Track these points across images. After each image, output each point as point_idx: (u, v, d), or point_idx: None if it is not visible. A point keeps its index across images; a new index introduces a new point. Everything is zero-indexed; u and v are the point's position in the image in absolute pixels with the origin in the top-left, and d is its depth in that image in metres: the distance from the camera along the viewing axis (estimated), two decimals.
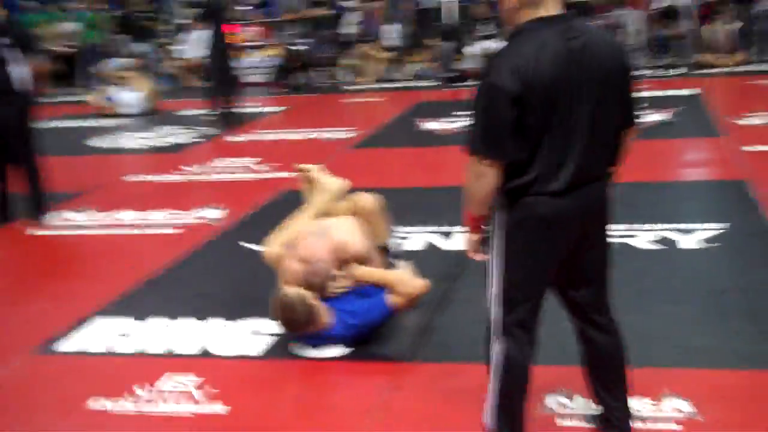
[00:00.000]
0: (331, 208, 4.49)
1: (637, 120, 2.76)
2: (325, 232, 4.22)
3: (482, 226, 2.75)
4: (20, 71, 6.42)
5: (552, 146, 2.55)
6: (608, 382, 2.92)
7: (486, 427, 2.88)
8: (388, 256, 4.49)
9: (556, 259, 2.71)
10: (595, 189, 2.69)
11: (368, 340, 3.97)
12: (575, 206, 2.63)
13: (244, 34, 15.77)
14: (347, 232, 4.24)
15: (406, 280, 4.10)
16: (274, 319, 3.94)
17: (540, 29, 2.54)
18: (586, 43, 2.55)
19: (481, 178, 2.59)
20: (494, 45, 14.52)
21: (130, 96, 12.33)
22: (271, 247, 4.35)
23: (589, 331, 2.88)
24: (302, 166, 4.71)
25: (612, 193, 2.79)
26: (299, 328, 3.87)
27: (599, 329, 2.87)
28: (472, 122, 2.60)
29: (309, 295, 3.87)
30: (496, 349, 2.80)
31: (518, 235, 2.65)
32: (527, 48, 2.51)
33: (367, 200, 4.55)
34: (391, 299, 4.01)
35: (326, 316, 3.88)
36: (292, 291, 3.86)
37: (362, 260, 4.18)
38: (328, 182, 4.59)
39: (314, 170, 4.66)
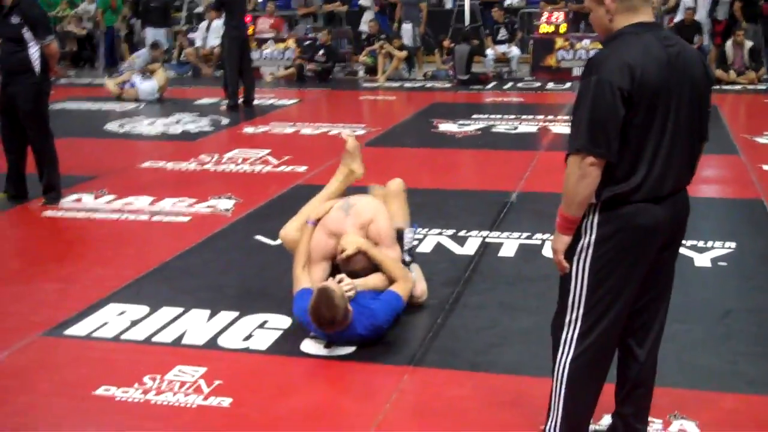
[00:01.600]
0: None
1: (709, 134, 2.78)
2: (350, 208, 4.29)
3: (575, 229, 2.68)
4: (35, 52, 6.46)
5: (653, 152, 2.57)
6: (642, 406, 2.92)
7: None
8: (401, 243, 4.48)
9: (643, 271, 2.70)
10: (682, 198, 2.73)
11: (376, 341, 3.99)
12: (669, 215, 2.66)
13: (258, 25, 15.79)
14: (373, 211, 4.29)
15: (409, 279, 4.16)
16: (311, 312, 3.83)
17: (641, 33, 2.58)
18: (680, 52, 2.61)
19: (585, 178, 2.55)
20: (513, 49, 14.57)
21: (152, 84, 12.38)
22: (288, 229, 4.40)
23: (636, 351, 2.86)
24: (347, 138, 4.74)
25: None
26: (335, 325, 3.81)
27: (645, 350, 2.86)
28: (577, 119, 2.56)
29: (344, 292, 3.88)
30: (568, 365, 2.75)
31: (611, 245, 2.63)
32: (634, 49, 2.54)
33: (394, 181, 4.64)
34: (400, 291, 4.07)
35: (350, 315, 3.89)
36: (334, 287, 3.84)
37: (385, 243, 4.22)
38: (354, 167, 4.65)
39: (352, 149, 4.69)
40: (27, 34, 6.41)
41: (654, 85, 2.52)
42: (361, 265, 4.13)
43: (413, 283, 4.28)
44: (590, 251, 2.65)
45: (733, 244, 5.35)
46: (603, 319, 2.69)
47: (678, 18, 14.44)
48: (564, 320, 2.75)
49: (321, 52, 14.47)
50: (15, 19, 6.41)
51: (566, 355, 2.74)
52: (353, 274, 4.11)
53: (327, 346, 3.96)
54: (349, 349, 3.94)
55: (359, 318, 3.88)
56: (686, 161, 2.69)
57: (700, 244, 5.35)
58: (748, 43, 13.28)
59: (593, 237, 2.64)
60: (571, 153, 2.57)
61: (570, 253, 2.71)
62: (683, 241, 5.37)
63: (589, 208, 2.64)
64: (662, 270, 2.80)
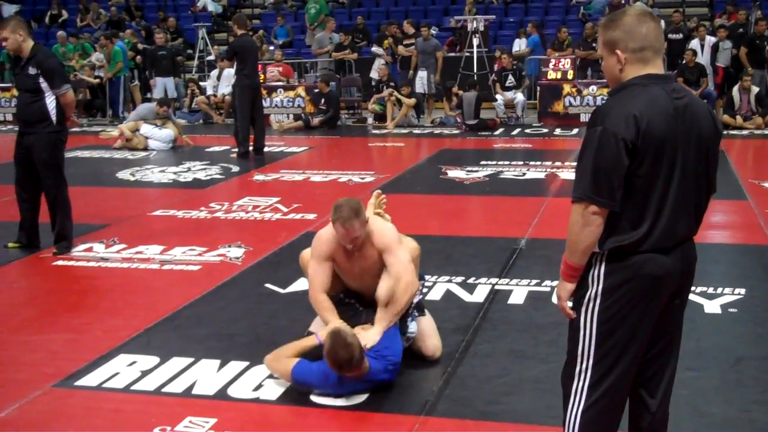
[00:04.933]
0: None
1: (716, 187, 2.81)
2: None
3: (578, 277, 2.71)
4: (51, 101, 6.57)
5: (659, 202, 2.60)
6: None
7: None
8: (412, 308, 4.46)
9: (653, 321, 2.71)
10: (690, 247, 2.75)
11: (386, 390, 3.99)
12: (677, 265, 2.68)
13: (269, 73, 15.99)
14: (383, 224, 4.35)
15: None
16: (327, 355, 3.86)
17: (648, 85, 2.62)
18: (688, 104, 2.65)
19: (587, 227, 2.59)
20: (518, 96, 14.70)
21: (162, 134, 12.53)
22: (308, 251, 4.46)
23: (648, 401, 2.85)
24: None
25: None
26: (354, 366, 3.82)
27: (657, 399, 2.85)
28: (581, 168, 2.61)
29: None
30: (579, 415, 2.74)
31: (619, 296, 2.64)
32: (640, 100, 2.58)
33: (410, 243, 4.50)
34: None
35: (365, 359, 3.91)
36: (347, 330, 3.91)
37: (382, 247, 4.22)
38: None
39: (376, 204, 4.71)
40: (43, 84, 6.53)
41: (660, 137, 2.56)
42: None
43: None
44: (598, 301, 2.67)
45: (743, 290, 5.35)
46: (613, 369, 2.69)
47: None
48: (574, 371, 2.75)
49: (322, 101, 14.65)
50: (32, 70, 6.53)
51: (577, 405, 2.74)
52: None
53: (337, 396, 3.95)
54: (360, 399, 3.94)
55: (375, 363, 3.91)
56: (693, 212, 2.71)
57: (710, 290, 5.34)
58: (755, 89, 13.37)
59: (601, 287, 2.66)
60: (575, 201, 2.61)
61: (578, 303, 2.72)
62: (693, 288, 5.41)
63: (595, 257, 2.66)
64: (672, 319, 2.80)
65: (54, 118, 6.60)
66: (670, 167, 2.60)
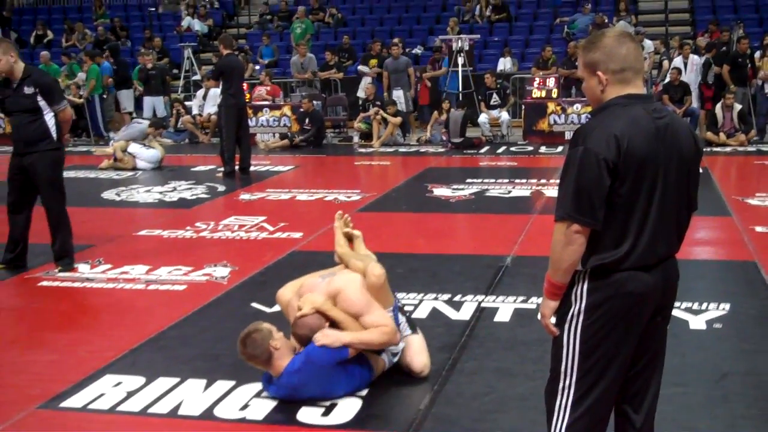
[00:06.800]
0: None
1: (697, 204, 2.84)
2: (328, 276, 4.34)
3: (561, 295, 2.74)
4: (51, 119, 6.59)
5: (640, 220, 2.62)
6: None
7: None
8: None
9: (636, 338, 2.72)
10: (672, 265, 2.77)
11: (373, 408, 3.98)
12: (659, 282, 2.70)
13: (257, 93, 16.01)
14: (346, 283, 4.25)
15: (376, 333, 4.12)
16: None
17: (630, 105, 2.65)
18: (669, 124, 2.68)
19: (569, 246, 2.61)
20: (503, 114, 14.78)
21: (149, 154, 12.52)
22: (285, 290, 4.48)
23: (632, 417, 2.86)
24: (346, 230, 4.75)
25: None
26: (253, 361, 4.06)
27: (642, 415, 2.87)
28: (563, 188, 2.63)
29: (277, 338, 4.03)
30: None
31: (604, 313, 2.66)
32: (621, 121, 2.60)
33: (373, 272, 4.28)
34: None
35: (285, 361, 4.01)
36: (263, 326, 4.06)
37: (353, 313, 4.17)
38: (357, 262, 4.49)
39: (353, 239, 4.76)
40: (41, 102, 6.56)
41: (641, 156, 2.59)
42: (304, 331, 4.09)
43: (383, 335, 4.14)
44: (581, 319, 2.69)
45: (727, 306, 5.38)
46: (597, 386, 2.71)
47: (667, 80, 14.69)
48: (557, 387, 2.76)
49: (307, 120, 14.70)
50: (28, 90, 6.54)
51: (561, 422, 2.75)
52: (299, 338, 4.13)
53: (324, 414, 3.95)
54: (346, 418, 3.93)
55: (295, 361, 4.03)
56: (674, 230, 2.74)
57: (695, 306, 5.37)
58: (737, 106, 13.51)
59: (584, 305, 2.68)
60: (558, 220, 2.63)
61: (561, 320, 2.74)
62: (677, 303, 5.43)
63: (578, 275, 2.68)
64: (655, 336, 2.82)
65: (55, 135, 6.67)
66: (651, 186, 2.62)
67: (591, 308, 2.67)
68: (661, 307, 2.78)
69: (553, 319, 2.78)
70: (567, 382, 2.73)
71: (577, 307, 2.69)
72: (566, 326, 2.72)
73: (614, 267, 2.63)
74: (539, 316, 2.84)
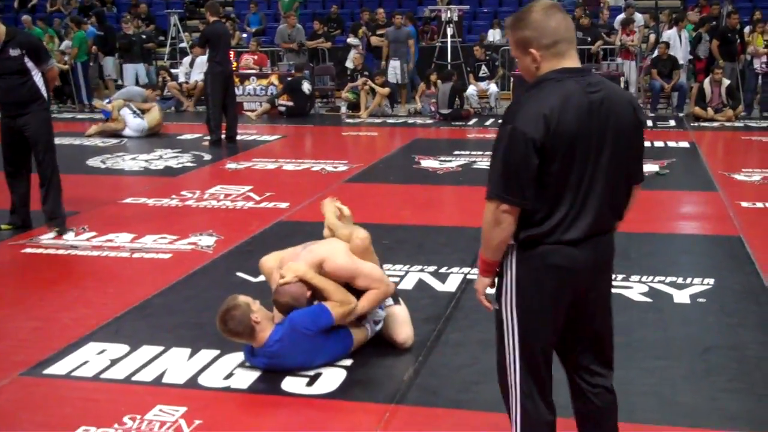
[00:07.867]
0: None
1: (643, 176, 2.82)
2: (312, 246, 4.33)
3: (494, 271, 2.76)
4: (39, 79, 6.58)
5: (570, 197, 2.60)
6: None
7: None
8: None
9: (566, 311, 2.74)
10: (605, 240, 2.74)
11: (358, 378, 3.98)
12: (589, 257, 2.68)
13: (244, 61, 15.88)
14: (330, 251, 4.26)
15: (347, 304, 4.12)
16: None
17: (563, 80, 2.60)
18: (604, 97, 2.62)
19: (499, 224, 2.60)
20: (491, 87, 14.73)
21: (141, 123, 12.41)
22: (269, 258, 4.47)
23: (587, 388, 2.89)
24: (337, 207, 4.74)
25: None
26: (237, 337, 4.03)
27: (598, 386, 2.88)
28: (493, 167, 2.61)
29: (256, 310, 3.99)
30: (517, 408, 2.80)
31: (532, 285, 2.68)
32: (552, 98, 2.56)
33: (358, 235, 4.37)
34: (329, 306, 4.07)
35: (267, 332, 4.00)
36: (241, 301, 4.00)
37: (344, 279, 4.20)
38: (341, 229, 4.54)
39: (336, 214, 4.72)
40: (29, 63, 6.53)
41: (571, 133, 2.54)
42: (286, 299, 4.10)
43: (352, 310, 4.15)
44: (513, 291, 2.71)
45: (711, 281, 5.40)
46: (537, 357, 2.75)
47: (656, 54, 14.65)
48: (505, 362, 2.80)
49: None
50: (13, 52, 6.50)
51: (515, 396, 2.80)
52: (280, 306, 4.13)
53: (308, 384, 3.95)
54: (331, 387, 3.94)
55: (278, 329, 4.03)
56: (609, 206, 2.69)
57: (679, 280, 5.40)
58: (726, 81, 13.50)
59: (514, 277, 2.70)
60: (487, 199, 2.62)
61: (497, 293, 2.78)
62: (661, 278, 5.44)
63: (510, 248, 2.69)
64: (594, 313, 2.82)
65: (46, 95, 6.70)
66: (582, 163, 2.59)
67: (520, 281, 2.69)
68: (593, 284, 2.76)
69: (487, 294, 2.81)
70: (512, 357, 2.76)
71: (508, 279, 2.72)
72: (503, 300, 2.75)
73: (541, 240, 2.62)
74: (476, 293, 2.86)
